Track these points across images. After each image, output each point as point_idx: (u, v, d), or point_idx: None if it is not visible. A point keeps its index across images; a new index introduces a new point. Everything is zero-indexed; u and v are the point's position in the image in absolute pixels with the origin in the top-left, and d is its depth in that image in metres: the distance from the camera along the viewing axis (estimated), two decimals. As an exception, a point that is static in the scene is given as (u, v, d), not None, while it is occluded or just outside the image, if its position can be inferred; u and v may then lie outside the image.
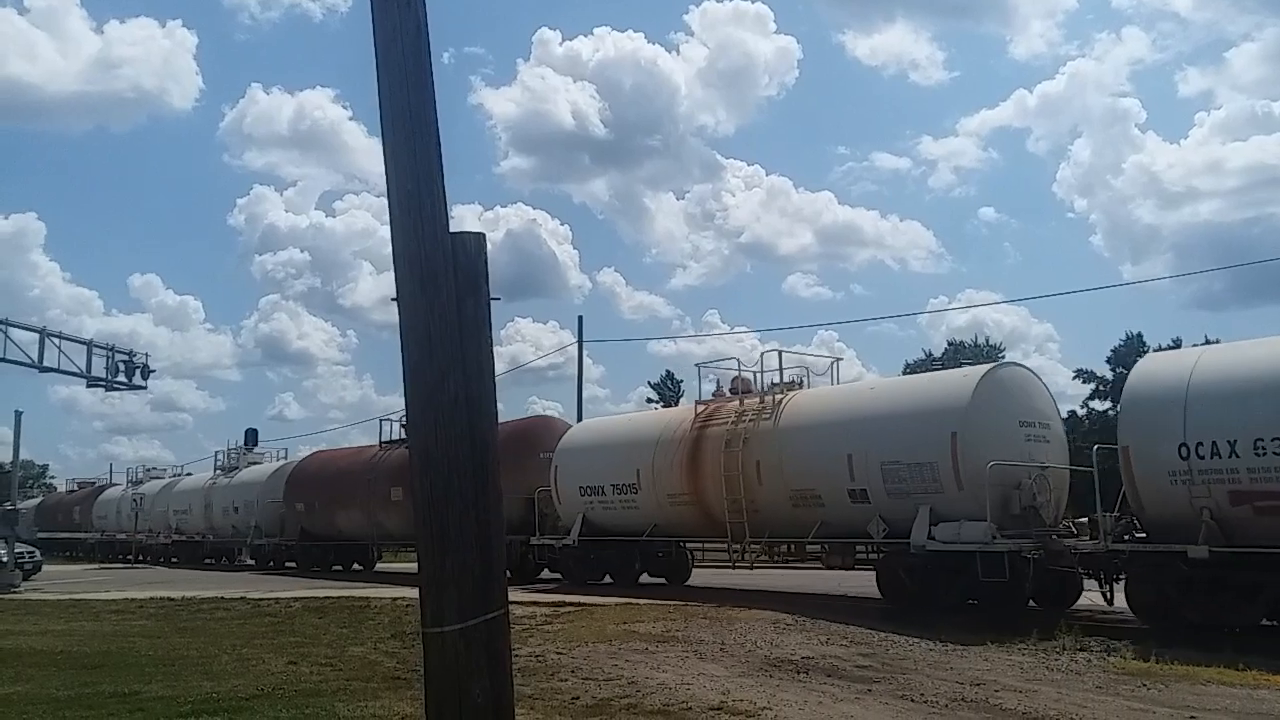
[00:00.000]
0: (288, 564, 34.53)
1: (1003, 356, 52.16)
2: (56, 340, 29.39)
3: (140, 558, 45.95)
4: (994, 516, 14.31)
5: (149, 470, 51.43)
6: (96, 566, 43.65)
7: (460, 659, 4.36)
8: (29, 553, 31.72)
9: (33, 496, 67.10)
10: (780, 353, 19.94)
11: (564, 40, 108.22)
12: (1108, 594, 14.16)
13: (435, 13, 4.60)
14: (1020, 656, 11.18)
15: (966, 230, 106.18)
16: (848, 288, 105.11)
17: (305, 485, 33.16)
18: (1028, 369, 17.59)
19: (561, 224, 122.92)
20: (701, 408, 20.16)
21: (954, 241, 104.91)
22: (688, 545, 22.25)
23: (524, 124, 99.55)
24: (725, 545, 19.63)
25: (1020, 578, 14.03)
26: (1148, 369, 14.38)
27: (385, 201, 4.48)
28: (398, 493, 26.93)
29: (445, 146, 4.59)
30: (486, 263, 4.68)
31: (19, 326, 29.02)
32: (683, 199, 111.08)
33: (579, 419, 29.96)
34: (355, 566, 32.81)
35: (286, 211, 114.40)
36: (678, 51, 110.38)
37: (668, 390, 64.18)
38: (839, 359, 20.33)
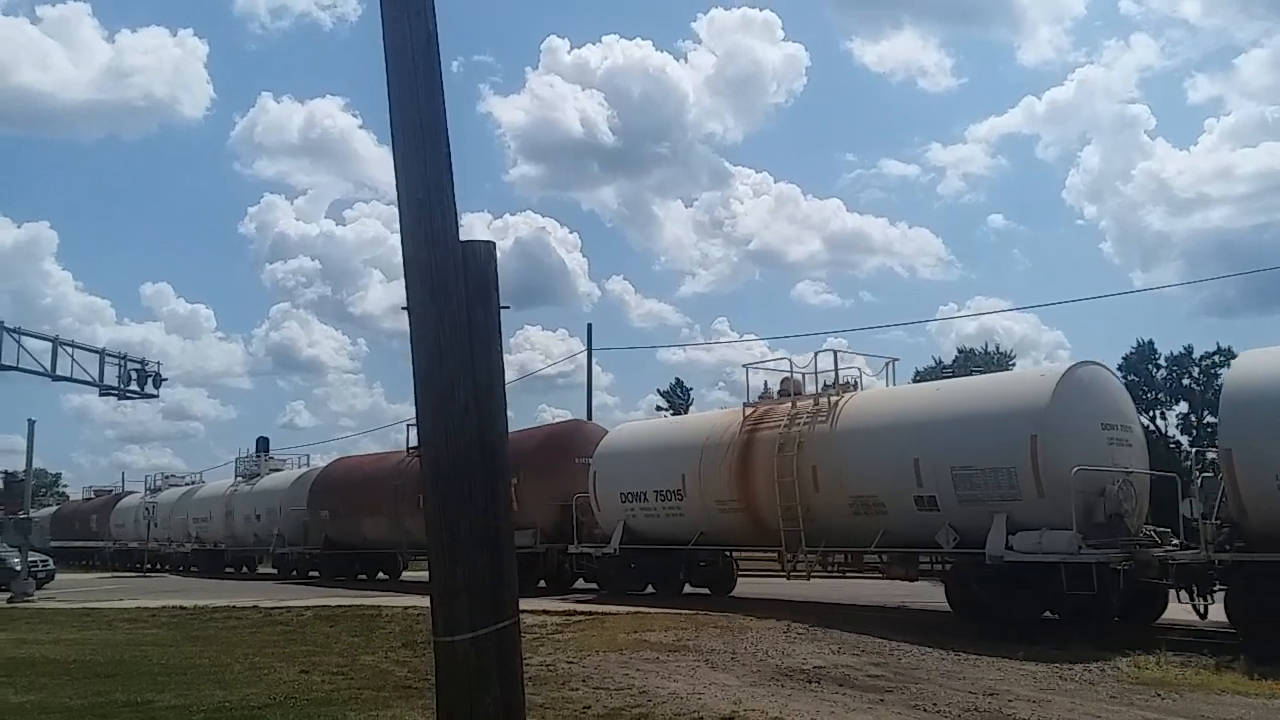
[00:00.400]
0: (311, 573, 33.69)
1: (1013, 364, 52.03)
2: (69, 349, 29.53)
3: (154, 566, 45.78)
4: (1078, 525, 13.38)
5: (167, 478, 50.96)
6: (109, 575, 43.75)
7: (472, 668, 4.36)
8: (42, 561, 31.82)
9: (47, 505, 67.16)
10: (835, 353, 18.85)
11: (572, 48, 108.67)
12: (1202, 607, 13.36)
13: (444, 22, 4.62)
14: (1034, 666, 11.11)
15: (976, 237, 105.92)
16: (857, 295, 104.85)
17: (330, 492, 32.45)
18: (1107, 368, 16.76)
19: (570, 232, 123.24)
20: (750, 410, 19.13)
21: (963, 248, 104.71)
22: (733, 554, 21.25)
23: (533, 132, 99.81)
24: (775, 554, 18.83)
25: (1108, 591, 13.12)
26: (1247, 367, 13.63)
27: (395, 210, 4.50)
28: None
29: (454, 155, 4.60)
30: (496, 271, 4.68)
31: (32, 335, 29.18)
32: (691, 206, 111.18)
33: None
34: (380, 575, 32.11)
35: (297, 220, 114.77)
36: (686, 59, 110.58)
37: (677, 398, 64.22)
38: (894, 360, 19.18)
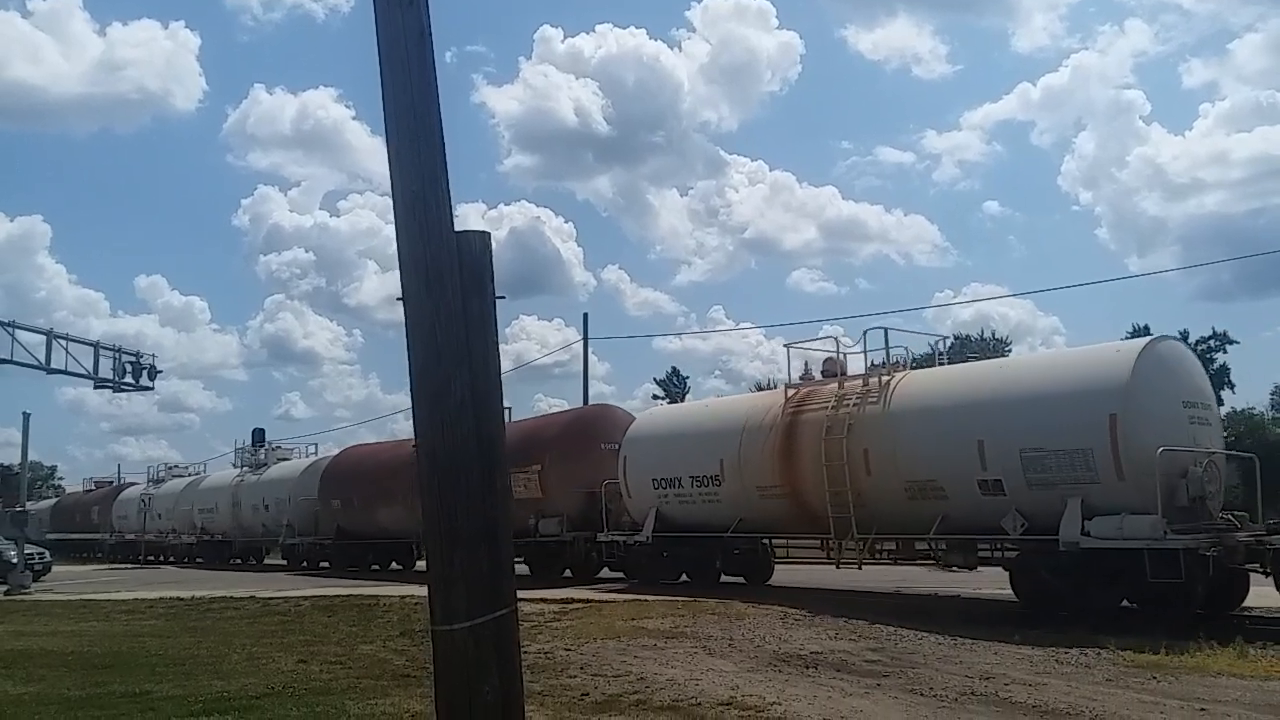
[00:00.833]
0: (321, 564, 33.18)
1: (1008, 350, 52.10)
2: (64, 342, 29.50)
3: (156, 558, 45.27)
4: (1162, 509, 12.70)
5: (170, 468, 50.43)
6: (106, 567, 43.70)
7: (470, 656, 4.38)
8: (39, 554, 31.84)
9: (46, 497, 66.96)
10: (886, 330, 17.84)
11: (566, 38, 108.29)
12: None
13: (437, 12, 4.60)
14: (1029, 650, 11.18)
15: (971, 224, 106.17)
16: (852, 282, 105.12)
17: (342, 481, 31.72)
18: (1184, 343, 16.07)
19: (565, 221, 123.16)
20: (792, 391, 18.32)
21: (959, 235, 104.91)
22: (772, 542, 20.57)
23: (527, 122, 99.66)
24: (815, 542, 18.26)
25: (1194, 578, 12.45)
26: None
27: (389, 201, 4.50)
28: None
29: (448, 145, 4.59)
30: (492, 261, 4.68)
31: (26, 329, 29.12)
32: (686, 195, 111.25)
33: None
34: (394, 566, 31.01)
35: (291, 211, 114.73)
36: (680, 48, 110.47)
37: (673, 386, 64.39)
38: (945, 338, 18.39)
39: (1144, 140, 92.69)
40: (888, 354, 17.37)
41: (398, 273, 4.55)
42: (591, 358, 37.65)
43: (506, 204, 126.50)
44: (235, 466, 43.36)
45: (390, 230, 4.53)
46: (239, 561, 40.90)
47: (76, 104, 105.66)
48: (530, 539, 22.88)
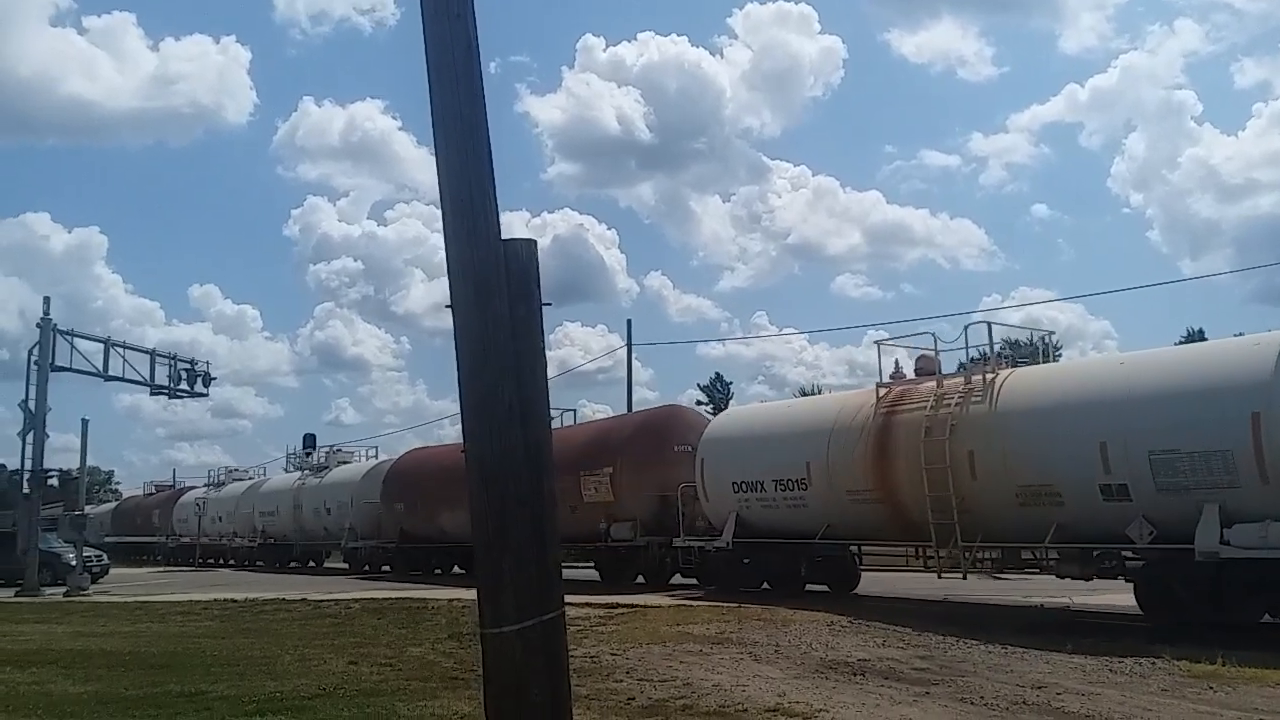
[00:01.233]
0: (384, 567, 32.74)
1: (1060, 354, 51.28)
2: (120, 350, 30.31)
3: (209, 560, 45.57)
4: None
5: (230, 472, 50.55)
6: (162, 570, 44.52)
7: (518, 659, 4.42)
8: (96, 556, 32.54)
9: (105, 501, 68.22)
10: (990, 324, 16.85)
11: (608, 46, 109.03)
12: None
13: (480, 23, 4.67)
14: (1082, 659, 11.00)
15: (1019, 227, 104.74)
16: (898, 287, 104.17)
17: (405, 484, 31.09)
18: None
19: (609, 228, 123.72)
20: (884, 390, 17.31)
21: (1006, 239, 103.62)
22: (860, 549, 19.54)
23: (570, 130, 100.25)
24: (911, 550, 17.50)
25: None
26: None
27: (435, 210, 4.57)
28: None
29: (493, 155, 4.65)
30: (538, 268, 4.74)
31: (85, 337, 30.02)
32: (729, 201, 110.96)
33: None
34: (456, 570, 30.03)
35: (339, 221, 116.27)
36: (722, 55, 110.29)
37: (716, 392, 64.26)
38: (1051, 332, 16.91)
39: (1196, 141, 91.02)
40: (992, 348, 16.35)
41: (444, 280, 4.62)
42: (635, 364, 37.72)
43: (550, 212, 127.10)
44: (285, 471, 43.78)
45: (436, 239, 4.61)
46: (297, 565, 40.80)
47: (131, 118, 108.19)
48: (601, 543, 22.60)
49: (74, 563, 27.66)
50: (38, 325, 28.29)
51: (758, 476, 18.68)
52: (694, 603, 16.90)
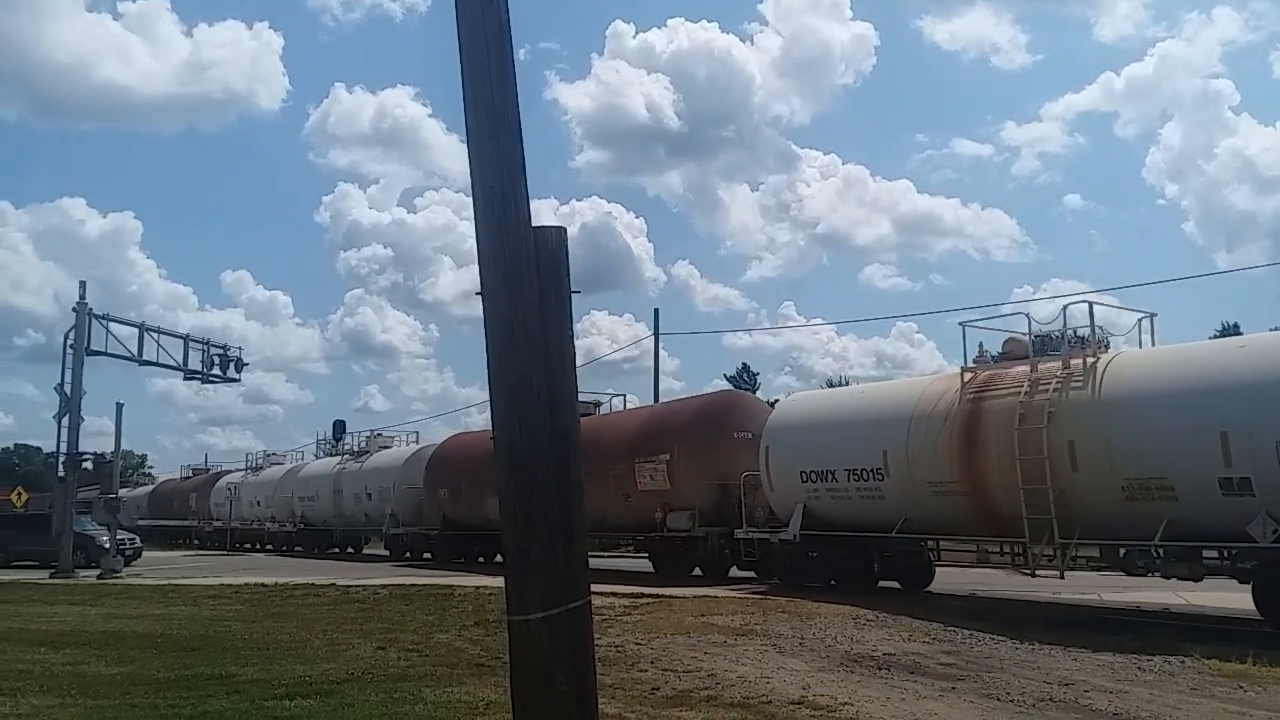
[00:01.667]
0: (425, 554, 32.22)
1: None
2: (155, 335, 30.67)
3: (247, 545, 45.67)
4: None
5: (268, 455, 50.43)
6: (194, 553, 45.05)
7: (544, 647, 4.43)
8: (129, 539, 33.00)
9: (142, 484, 68.94)
10: (1091, 303, 15.77)
11: (637, 33, 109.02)
12: None
13: (511, 9, 4.66)
14: (1110, 656, 10.90)
15: (1051, 218, 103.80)
16: (927, 278, 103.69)
17: (450, 469, 30.34)
18: None
19: (636, 217, 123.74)
20: (970, 375, 16.26)
21: (1039, 230, 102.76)
22: (938, 544, 18.41)
23: (599, 118, 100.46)
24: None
25: None
26: None
27: (464, 198, 4.58)
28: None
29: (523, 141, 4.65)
30: (568, 256, 4.73)
31: (119, 321, 30.39)
32: (757, 190, 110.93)
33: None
34: (499, 559, 29.65)
35: (370, 208, 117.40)
36: (752, 41, 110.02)
37: (743, 383, 64.12)
38: (1152, 315, 15.45)
39: (1233, 131, 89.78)
40: (1094, 330, 15.24)
41: (473, 268, 4.63)
42: (661, 353, 37.61)
43: (578, 200, 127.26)
44: (316, 457, 44.01)
45: (466, 226, 4.63)
46: (336, 551, 40.46)
47: (165, 103, 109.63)
48: (656, 534, 22.00)
49: (107, 545, 28.06)
50: (74, 309, 28.68)
51: (829, 465, 17.75)
52: (717, 593, 16.88)
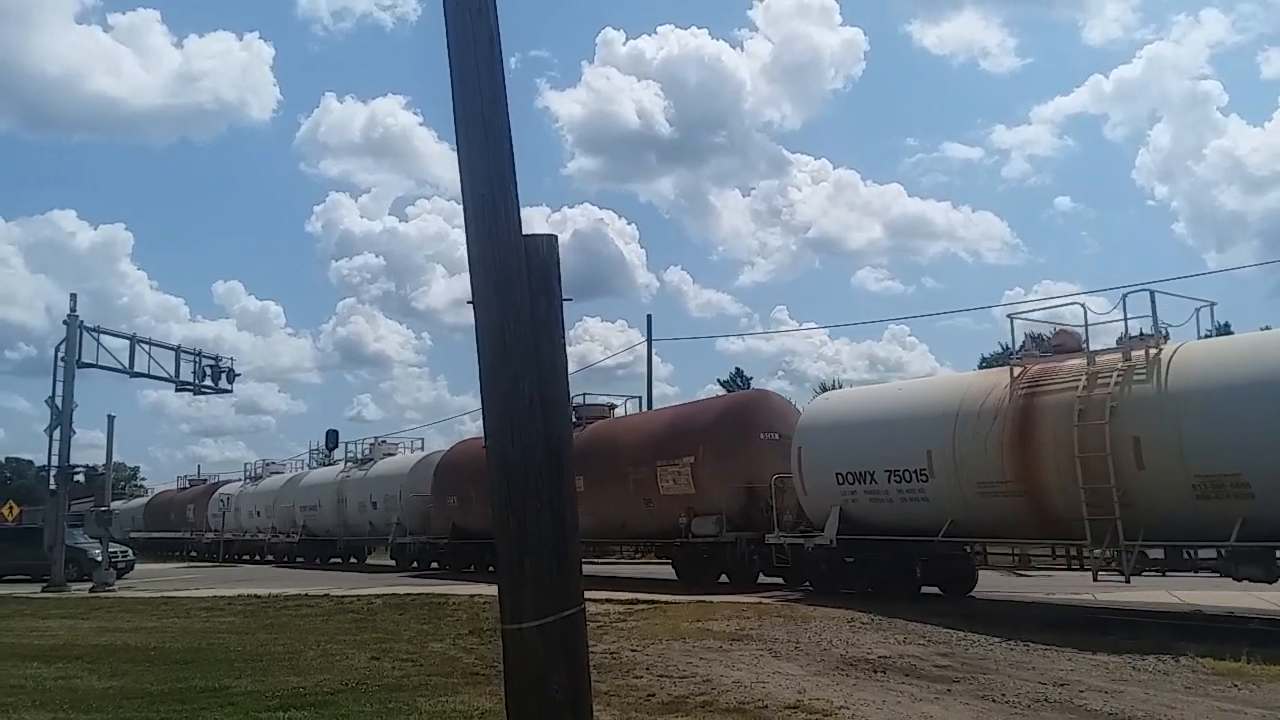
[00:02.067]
0: (432, 564, 31.42)
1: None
2: (146, 346, 30.62)
3: (243, 556, 44.90)
4: None
5: (268, 464, 49.10)
6: (187, 565, 44.76)
7: (538, 655, 4.44)
8: (122, 552, 32.85)
9: (136, 496, 68.22)
10: (1152, 292, 14.52)
11: (627, 40, 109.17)
12: None
13: (501, 17, 4.67)
14: (1105, 656, 10.92)
15: (1042, 220, 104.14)
16: (919, 281, 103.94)
17: (458, 476, 29.13)
18: None
19: (628, 223, 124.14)
20: (1020, 369, 15.35)
21: (1029, 232, 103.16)
22: (984, 548, 17.40)
23: (589, 125, 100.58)
24: (1048, 550, 16.00)
25: None
26: None
27: (455, 206, 4.62)
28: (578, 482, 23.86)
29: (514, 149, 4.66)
30: (559, 264, 4.75)
31: (110, 333, 30.32)
32: (749, 195, 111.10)
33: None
34: None
35: (361, 217, 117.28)
36: (742, 48, 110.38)
37: (737, 388, 64.01)
38: (1212, 303, 14.52)
39: (1221, 132, 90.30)
40: (1155, 320, 14.15)
41: (465, 276, 4.64)
42: (655, 359, 37.64)
43: (570, 206, 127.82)
44: (309, 467, 43.73)
45: (457, 235, 4.64)
46: (338, 561, 39.52)
47: (156, 115, 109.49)
48: (680, 540, 21.20)
49: (100, 558, 27.90)
50: (64, 322, 28.59)
51: (867, 466, 16.84)
52: (712, 599, 16.86)
